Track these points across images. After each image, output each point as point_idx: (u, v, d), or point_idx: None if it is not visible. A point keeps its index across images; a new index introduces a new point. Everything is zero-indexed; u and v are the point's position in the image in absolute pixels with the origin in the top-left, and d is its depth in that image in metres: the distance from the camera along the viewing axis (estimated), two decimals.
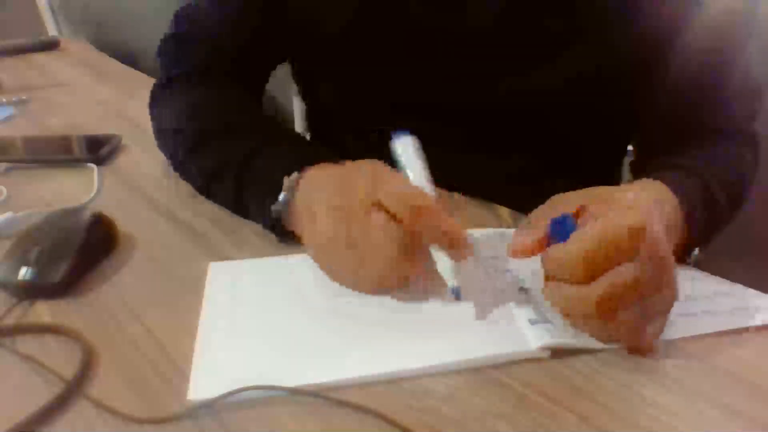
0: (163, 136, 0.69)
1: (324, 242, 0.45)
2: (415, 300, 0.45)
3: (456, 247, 0.43)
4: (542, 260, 0.41)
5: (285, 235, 0.52)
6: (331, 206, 0.45)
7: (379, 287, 0.45)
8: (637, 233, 0.38)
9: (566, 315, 0.41)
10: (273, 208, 0.50)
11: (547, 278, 0.41)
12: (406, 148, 0.48)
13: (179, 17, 0.71)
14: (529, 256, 0.42)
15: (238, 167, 0.55)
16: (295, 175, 0.50)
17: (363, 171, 0.46)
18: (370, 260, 0.43)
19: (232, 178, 0.56)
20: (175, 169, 0.66)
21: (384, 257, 0.42)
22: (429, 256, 0.44)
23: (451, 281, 0.43)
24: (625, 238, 0.38)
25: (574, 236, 0.39)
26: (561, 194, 0.44)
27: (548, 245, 0.41)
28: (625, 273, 0.37)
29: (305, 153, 0.53)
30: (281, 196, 0.50)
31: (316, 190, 0.48)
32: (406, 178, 0.47)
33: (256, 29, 0.68)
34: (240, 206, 0.57)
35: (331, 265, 0.46)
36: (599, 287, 0.38)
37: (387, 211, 0.42)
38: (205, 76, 0.69)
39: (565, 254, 0.39)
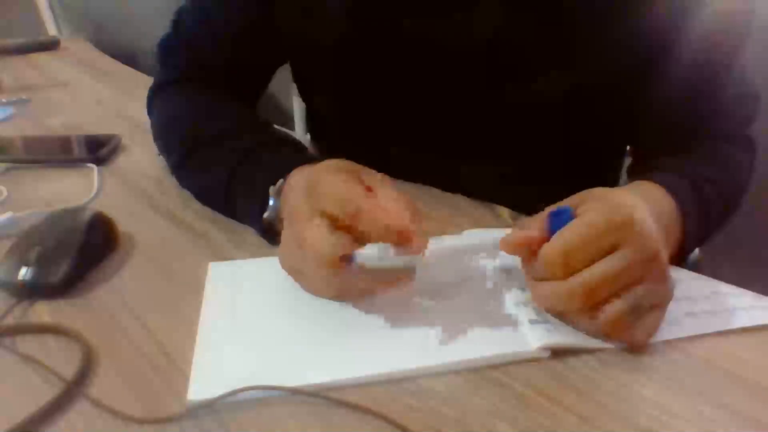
0: (156, 144, 0.70)
1: (280, 248, 0.46)
2: (415, 300, 0.45)
3: (404, 241, 0.40)
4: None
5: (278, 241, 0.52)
6: (287, 213, 0.46)
7: (326, 296, 0.45)
8: (620, 227, 0.38)
9: (555, 308, 0.42)
10: (265, 216, 0.50)
11: (533, 277, 0.42)
12: None
13: (173, 20, 0.71)
14: (515, 254, 0.43)
15: (226, 184, 0.56)
16: (280, 182, 0.50)
17: (310, 175, 0.45)
18: (311, 269, 0.43)
19: (222, 195, 0.56)
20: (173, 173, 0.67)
21: (321, 266, 0.41)
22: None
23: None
24: (604, 233, 0.38)
25: (556, 234, 0.40)
26: (553, 204, 0.44)
27: (549, 236, 0.41)
28: (604, 266, 0.38)
29: (288, 158, 0.53)
30: (271, 202, 0.50)
31: (289, 195, 0.48)
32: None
33: (240, 39, 0.67)
34: (235, 217, 0.57)
35: (287, 270, 0.46)
36: (576, 281, 0.38)
37: (330, 217, 0.41)
38: (187, 84, 0.69)
39: (546, 251, 0.40)
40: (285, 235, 0.46)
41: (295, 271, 0.46)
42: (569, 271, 0.39)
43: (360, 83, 0.66)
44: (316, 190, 0.42)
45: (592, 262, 0.38)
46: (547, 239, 0.40)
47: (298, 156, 0.54)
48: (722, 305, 0.45)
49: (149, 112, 0.72)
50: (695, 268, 0.51)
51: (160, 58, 0.72)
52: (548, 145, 0.65)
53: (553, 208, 0.43)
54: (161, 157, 0.69)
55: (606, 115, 0.62)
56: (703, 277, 0.49)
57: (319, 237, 0.41)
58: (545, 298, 0.41)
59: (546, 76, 0.59)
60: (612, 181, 0.76)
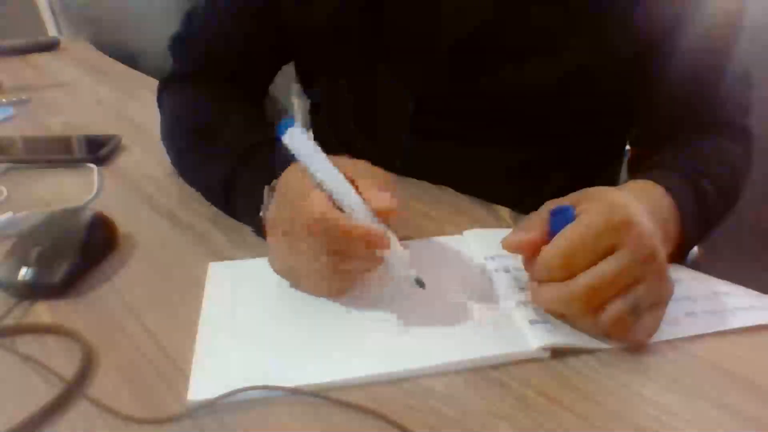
0: (162, 139, 0.70)
1: (271, 253, 0.47)
2: (415, 301, 0.45)
3: (371, 245, 0.41)
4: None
5: None
6: (269, 218, 0.47)
7: (324, 293, 0.45)
8: (618, 228, 0.38)
9: (556, 311, 0.42)
10: (260, 215, 0.50)
11: (534, 277, 0.42)
12: (294, 140, 0.43)
13: (184, 16, 0.72)
14: (518, 252, 0.43)
15: (225, 183, 0.56)
16: (274, 182, 0.50)
17: (285, 177, 0.46)
18: (304, 274, 0.44)
19: (221, 193, 0.57)
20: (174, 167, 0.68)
21: (311, 272, 0.43)
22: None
23: (408, 273, 0.43)
24: (603, 234, 0.38)
25: (556, 237, 0.40)
26: (552, 200, 0.44)
27: (549, 236, 0.41)
28: (604, 268, 0.38)
29: (284, 157, 0.53)
30: (265, 202, 0.50)
31: (274, 198, 0.48)
32: (308, 171, 0.44)
33: (249, 35, 0.68)
34: (235, 216, 0.57)
35: (281, 274, 0.47)
36: (576, 285, 0.38)
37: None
38: (196, 79, 0.70)
39: (545, 255, 0.40)
40: (272, 243, 0.46)
41: (290, 274, 0.46)
42: (569, 274, 0.39)
43: (360, 69, 0.66)
44: (290, 199, 0.43)
45: (592, 263, 0.38)
46: (548, 239, 0.40)
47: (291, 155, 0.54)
48: (722, 305, 0.45)
49: (159, 105, 0.72)
50: (695, 267, 0.51)
51: (171, 51, 0.73)
52: (548, 134, 0.65)
53: (552, 205, 0.43)
54: (162, 156, 0.69)
55: (604, 101, 0.63)
56: (703, 276, 0.49)
57: (310, 251, 0.42)
58: (546, 301, 0.41)
59: (543, 59, 0.59)
60: (612, 174, 0.76)
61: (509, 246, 0.43)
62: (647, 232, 0.39)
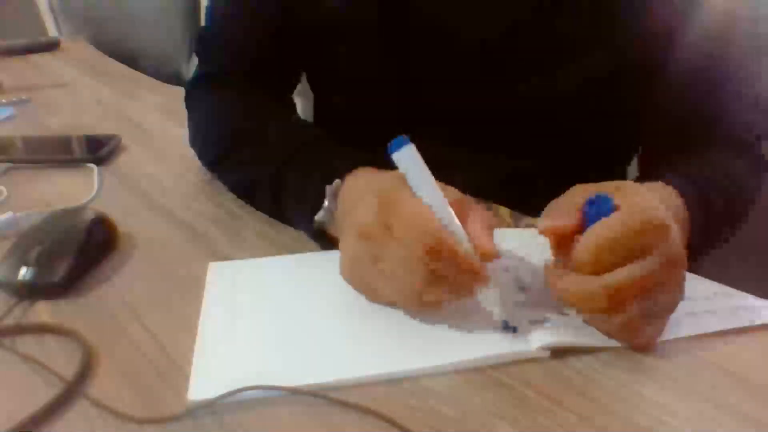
0: (193, 139, 0.69)
1: (347, 263, 0.44)
2: None
3: (475, 279, 0.40)
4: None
5: (329, 243, 0.51)
6: (351, 224, 0.43)
7: (410, 305, 0.43)
8: (654, 231, 0.38)
9: (574, 304, 0.41)
10: (317, 218, 0.50)
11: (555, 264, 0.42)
12: (406, 159, 0.42)
13: (206, 13, 0.71)
14: (551, 236, 0.42)
15: (270, 181, 0.55)
16: (336, 182, 0.49)
17: (381, 185, 0.43)
18: (393, 288, 0.42)
19: (268, 192, 0.56)
20: (210, 170, 0.67)
21: (406, 288, 0.41)
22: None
23: (498, 315, 0.43)
24: (639, 235, 0.38)
25: (590, 229, 0.39)
26: (581, 185, 0.43)
27: (585, 222, 0.40)
28: (633, 272, 0.38)
29: (345, 158, 0.52)
30: (326, 203, 0.49)
31: (350, 202, 0.46)
32: (415, 192, 0.42)
33: (272, 32, 0.67)
34: (280, 217, 0.57)
35: (357, 287, 0.45)
36: (603, 283, 0.38)
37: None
38: (226, 80, 0.69)
39: (578, 247, 0.39)
40: (354, 251, 0.43)
41: (369, 289, 0.44)
42: (596, 269, 0.38)
43: (375, 75, 0.65)
44: (394, 209, 0.41)
45: (621, 263, 0.38)
46: (581, 227, 0.40)
47: (353, 157, 0.51)
48: (722, 305, 0.45)
49: (187, 107, 0.71)
50: (695, 270, 0.51)
51: (196, 51, 0.72)
52: (560, 142, 0.65)
53: (583, 191, 0.42)
54: (162, 156, 0.69)
55: (619, 111, 0.63)
56: (703, 279, 0.49)
57: (408, 263, 0.40)
58: (565, 291, 0.40)
59: (563, 70, 0.59)
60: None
61: (545, 231, 0.42)
62: (678, 240, 0.39)
